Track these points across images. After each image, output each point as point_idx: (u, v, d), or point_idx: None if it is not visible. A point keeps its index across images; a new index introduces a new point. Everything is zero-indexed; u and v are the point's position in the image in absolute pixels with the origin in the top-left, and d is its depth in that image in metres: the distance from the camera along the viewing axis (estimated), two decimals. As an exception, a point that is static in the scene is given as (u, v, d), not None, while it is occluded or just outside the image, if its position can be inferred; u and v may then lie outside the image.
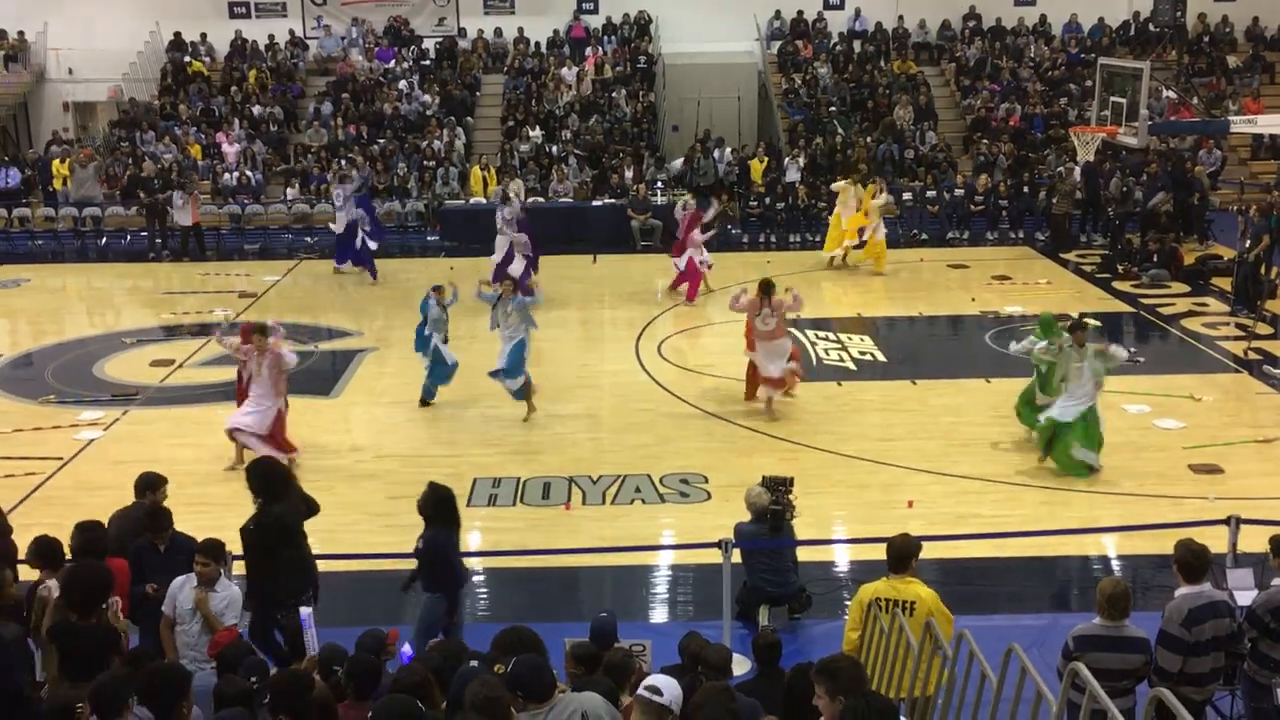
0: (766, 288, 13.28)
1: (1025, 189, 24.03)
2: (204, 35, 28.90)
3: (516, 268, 17.95)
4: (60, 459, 12.56)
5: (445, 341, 13.87)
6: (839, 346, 16.31)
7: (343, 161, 24.97)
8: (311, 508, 8.34)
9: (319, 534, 10.73)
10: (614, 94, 27.32)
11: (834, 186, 21.36)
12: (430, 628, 8.05)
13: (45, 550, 7.14)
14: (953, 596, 7.27)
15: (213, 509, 10.35)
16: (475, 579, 10.21)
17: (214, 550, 7.27)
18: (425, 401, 13.98)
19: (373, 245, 20.53)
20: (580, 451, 12.70)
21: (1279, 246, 18.35)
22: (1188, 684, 6.45)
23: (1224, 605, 6.48)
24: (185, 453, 12.51)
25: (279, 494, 8.05)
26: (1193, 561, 6.54)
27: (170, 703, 5.17)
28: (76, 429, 13.52)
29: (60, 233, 24.62)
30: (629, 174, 24.55)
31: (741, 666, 7.59)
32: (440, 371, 13.94)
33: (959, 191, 23.96)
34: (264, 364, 11.84)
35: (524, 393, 13.48)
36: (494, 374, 13.50)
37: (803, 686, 5.32)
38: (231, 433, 12.00)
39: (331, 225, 21.19)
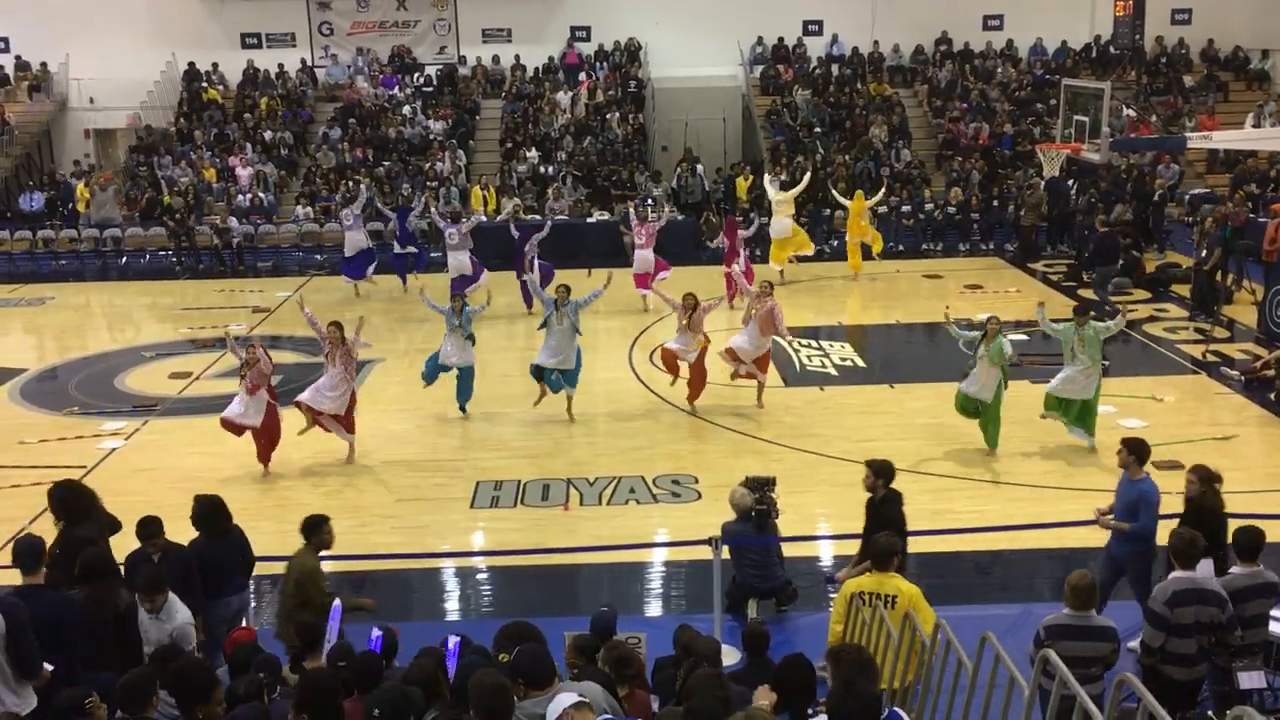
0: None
1: (995, 203, 24.14)
2: (215, 65, 28.86)
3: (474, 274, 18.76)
4: (84, 467, 12.52)
5: (467, 338, 13.81)
6: (821, 353, 16.34)
7: (349, 183, 25.02)
8: (113, 529, 7.61)
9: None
10: (606, 116, 27.35)
11: (780, 196, 21.07)
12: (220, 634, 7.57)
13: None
14: (930, 588, 7.29)
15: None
16: (479, 576, 10.24)
17: (153, 583, 6.64)
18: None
19: (403, 250, 20.82)
20: (577, 455, 12.71)
21: (1233, 255, 18.45)
22: (1171, 663, 6.49)
23: (1212, 595, 6.51)
24: (203, 461, 12.52)
25: (81, 517, 7.41)
26: (1184, 548, 6.63)
27: (193, 700, 5.11)
28: (99, 439, 13.51)
29: (82, 253, 24.58)
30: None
31: (731, 657, 7.61)
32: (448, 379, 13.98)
33: (929, 206, 24.06)
34: (338, 355, 12.21)
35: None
36: (561, 376, 13.58)
37: (792, 676, 5.33)
38: (312, 413, 12.33)
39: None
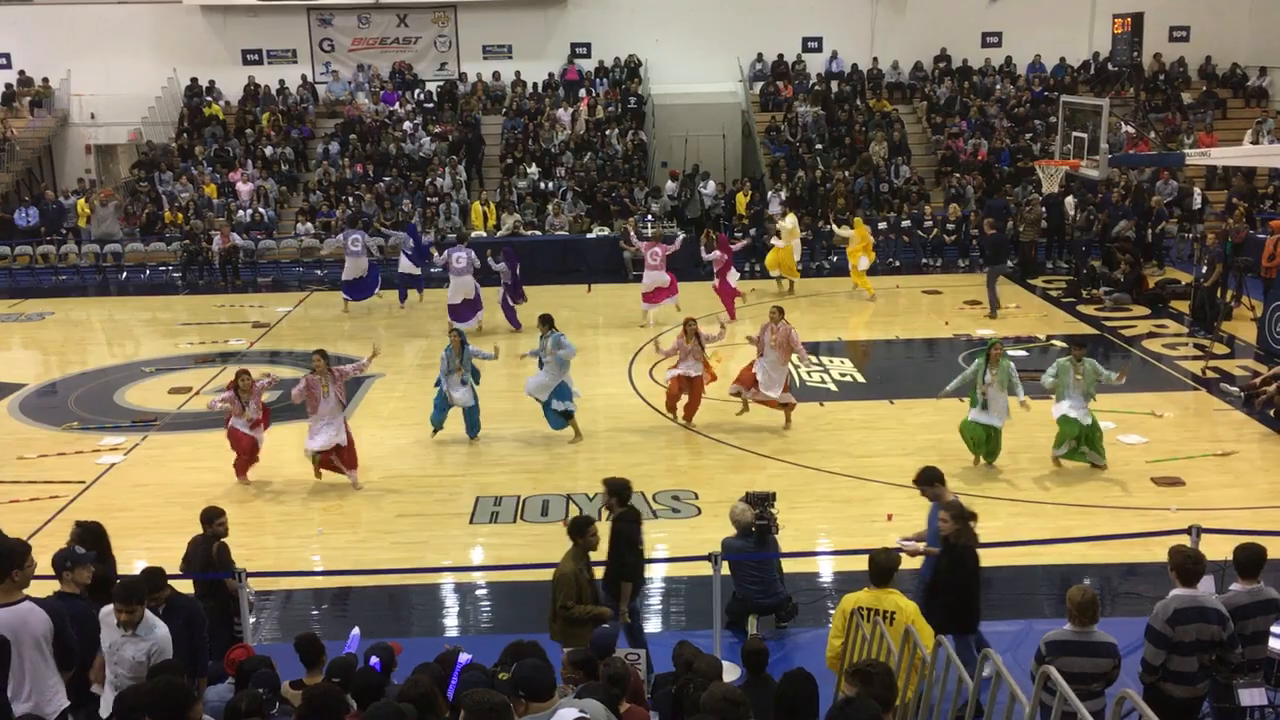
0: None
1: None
2: (212, 82, 28.89)
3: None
4: (83, 482, 12.53)
5: (464, 383, 13.52)
6: (821, 369, 16.35)
7: (347, 199, 25.13)
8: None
9: (331, 551, 10.78)
10: (606, 132, 27.43)
11: (782, 224, 21.38)
12: None
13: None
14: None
15: (231, 529, 10.29)
16: (479, 592, 10.22)
17: (131, 593, 6.26)
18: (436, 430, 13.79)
19: (414, 270, 20.74)
20: (577, 471, 12.70)
21: (1233, 271, 18.48)
22: (1172, 681, 6.47)
23: (1213, 613, 6.47)
24: (202, 476, 12.51)
25: None
26: (1188, 566, 6.58)
27: (170, 717, 5.07)
28: (98, 454, 13.50)
29: (83, 268, 24.61)
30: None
31: (731, 673, 7.58)
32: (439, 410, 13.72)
33: (929, 223, 24.11)
34: (332, 387, 11.99)
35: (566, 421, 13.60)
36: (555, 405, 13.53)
37: (793, 692, 5.31)
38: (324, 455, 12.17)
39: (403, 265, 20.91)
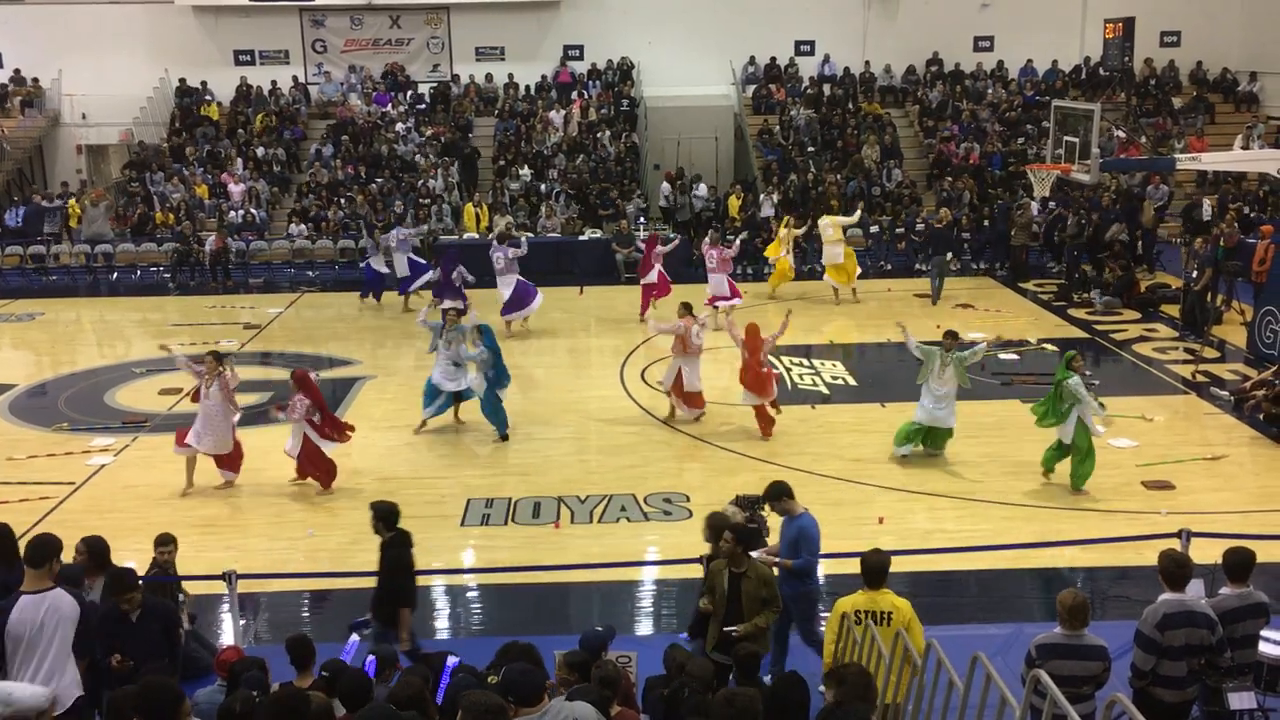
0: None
1: (986, 223, 24.24)
2: (204, 83, 28.79)
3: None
4: (73, 483, 12.48)
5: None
6: (813, 372, 16.37)
7: (339, 201, 25.08)
8: None
9: (324, 552, 10.75)
10: (599, 135, 27.44)
11: (823, 221, 21.15)
12: None
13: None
14: (921, 607, 7.28)
15: (220, 531, 10.31)
16: (469, 594, 10.20)
17: None
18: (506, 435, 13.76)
19: (384, 270, 20.81)
20: (569, 473, 12.70)
21: (1223, 276, 18.54)
22: (1162, 685, 6.48)
23: (1202, 617, 6.48)
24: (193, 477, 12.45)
25: None
26: (1175, 570, 6.57)
27: (161, 716, 5.06)
28: (88, 455, 13.45)
29: (73, 269, 24.53)
30: (629, 208, 24.92)
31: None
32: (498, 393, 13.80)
33: (920, 226, 24.15)
34: (214, 386, 11.96)
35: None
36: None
37: (785, 695, 5.31)
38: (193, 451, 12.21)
39: (374, 264, 20.99)
